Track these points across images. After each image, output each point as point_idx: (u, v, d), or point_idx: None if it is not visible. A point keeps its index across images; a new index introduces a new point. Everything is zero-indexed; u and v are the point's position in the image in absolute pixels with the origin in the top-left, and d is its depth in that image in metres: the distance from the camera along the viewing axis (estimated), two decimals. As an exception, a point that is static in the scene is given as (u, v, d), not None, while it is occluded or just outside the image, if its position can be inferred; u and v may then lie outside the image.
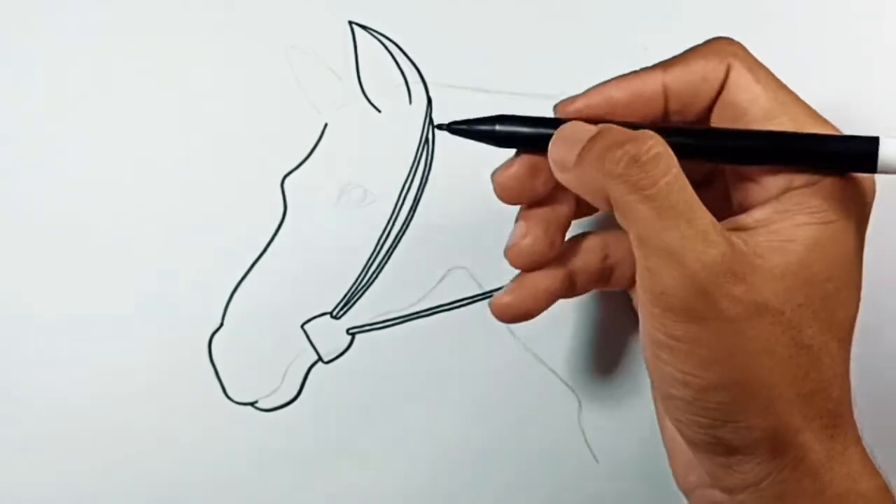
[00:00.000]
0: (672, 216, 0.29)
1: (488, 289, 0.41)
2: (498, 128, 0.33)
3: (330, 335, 0.40)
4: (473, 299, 0.41)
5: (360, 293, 0.41)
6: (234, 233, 0.40)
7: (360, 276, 0.41)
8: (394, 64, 0.41)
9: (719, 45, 0.33)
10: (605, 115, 0.32)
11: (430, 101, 0.41)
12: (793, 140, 0.31)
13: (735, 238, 0.30)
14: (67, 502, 0.39)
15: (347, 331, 0.40)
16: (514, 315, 0.34)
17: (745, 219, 0.32)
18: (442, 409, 0.41)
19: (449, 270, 0.41)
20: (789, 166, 0.32)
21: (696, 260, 0.29)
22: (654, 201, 0.29)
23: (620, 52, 0.42)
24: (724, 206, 0.34)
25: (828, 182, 0.31)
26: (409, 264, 0.41)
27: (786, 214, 0.31)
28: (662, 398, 0.32)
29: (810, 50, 0.42)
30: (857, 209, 0.32)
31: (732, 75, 0.32)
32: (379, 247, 0.41)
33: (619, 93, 0.33)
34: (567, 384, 0.42)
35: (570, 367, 0.41)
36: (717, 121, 0.33)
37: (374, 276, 0.41)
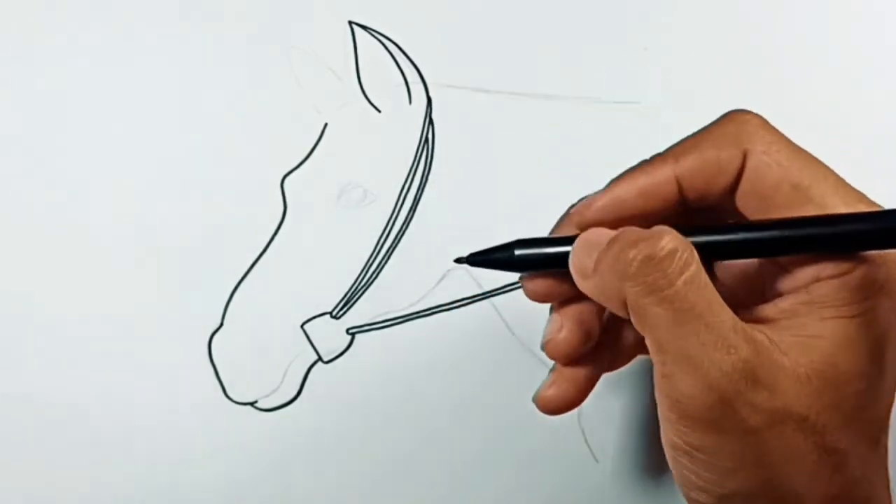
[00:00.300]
0: (690, 319, 0.27)
1: (488, 289, 0.41)
2: (517, 253, 0.32)
3: (330, 335, 0.40)
4: (473, 299, 0.41)
5: (360, 293, 0.40)
6: (234, 233, 0.40)
7: (360, 276, 0.41)
8: (394, 64, 0.41)
9: (733, 127, 0.30)
10: (619, 217, 0.31)
11: (429, 101, 0.41)
12: (819, 226, 0.29)
13: (758, 334, 0.28)
14: (67, 502, 0.39)
15: (347, 331, 0.40)
16: (558, 408, 0.33)
17: (771, 310, 0.30)
18: (442, 408, 0.41)
19: (449, 270, 0.41)
20: (817, 254, 0.29)
21: (716, 368, 0.27)
22: (671, 303, 0.27)
23: (620, 52, 0.42)
24: (751, 286, 0.32)
25: (858, 272, 0.29)
26: (409, 264, 0.41)
27: (813, 307, 0.29)
28: (682, 494, 0.31)
29: (810, 50, 0.42)
30: (890, 292, 0.29)
31: (750, 163, 0.30)
32: (379, 247, 0.41)
33: (628, 193, 0.31)
34: (567, 384, 0.41)
35: (570, 367, 0.41)
36: (740, 205, 0.31)
37: (374, 276, 0.41)
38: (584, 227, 0.31)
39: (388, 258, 0.41)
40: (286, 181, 0.41)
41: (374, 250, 0.41)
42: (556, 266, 0.31)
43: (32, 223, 0.40)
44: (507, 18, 0.42)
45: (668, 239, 0.27)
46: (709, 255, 0.29)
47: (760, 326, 0.29)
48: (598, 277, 0.29)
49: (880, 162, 0.41)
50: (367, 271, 0.41)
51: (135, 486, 0.40)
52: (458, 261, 0.33)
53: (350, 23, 0.41)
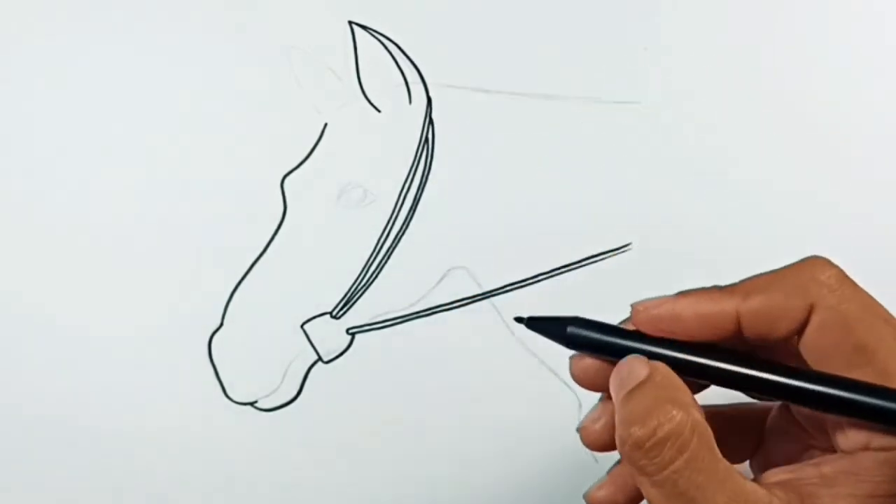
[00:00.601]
0: (682, 503, 0.27)
1: (488, 289, 0.41)
2: (569, 330, 0.31)
3: (330, 335, 0.40)
4: (473, 299, 0.41)
5: (360, 293, 0.40)
6: (234, 233, 0.40)
7: (360, 276, 0.41)
8: (394, 64, 0.41)
9: (807, 275, 0.30)
10: (672, 331, 0.30)
11: (429, 100, 0.41)
12: (873, 394, 0.28)
13: (783, 494, 0.28)
14: (67, 502, 0.39)
15: (347, 331, 0.40)
16: None
17: (812, 472, 0.29)
18: (441, 409, 0.41)
19: (449, 270, 0.41)
20: (867, 423, 0.28)
21: None
22: (660, 488, 0.27)
23: (620, 52, 0.42)
24: (818, 426, 0.31)
25: None
26: (409, 264, 0.41)
27: (856, 479, 0.28)
28: None
29: (810, 50, 0.42)
30: None
31: (815, 317, 0.29)
32: (379, 247, 0.41)
33: (687, 313, 0.30)
34: (567, 384, 0.41)
35: (570, 367, 0.41)
36: (804, 352, 0.30)
37: (374, 276, 0.41)
38: (638, 326, 0.31)
39: (388, 258, 0.41)
40: (286, 181, 0.41)
41: (374, 250, 0.41)
42: (606, 354, 0.31)
43: (32, 223, 0.40)
44: (507, 18, 0.42)
45: (662, 422, 0.27)
46: (746, 390, 0.29)
47: (794, 485, 0.28)
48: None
49: (880, 162, 0.41)
50: (367, 271, 0.41)
51: (135, 486, 0.40)
52: (518, 320, 0.32)
53: (350, 23, 0.41)
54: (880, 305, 0.30)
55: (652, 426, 0.27)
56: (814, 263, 0.30)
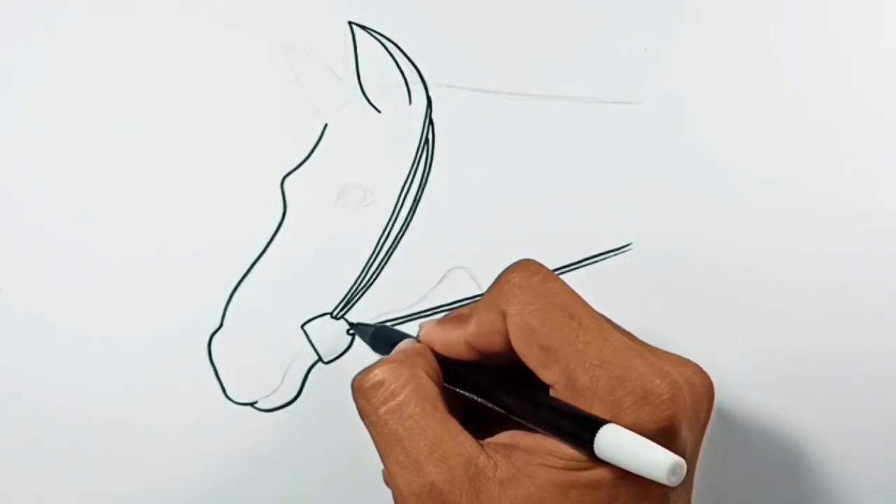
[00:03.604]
0: (391, 443, 0.31)
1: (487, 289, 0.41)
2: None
3: (330, 335, 0.40)
4: (473, 299, 0.41)
5: (360, 293, 0.40)
6: (234, 233, 0.40)
7: (360, 276, 0.41)
8: (394, 64, 0.41)
9: (497, 289, 0.32)
10: (440, 351, 0.34)
11: (429, 101, 0.41)
12: (537, 411, 0.31)
13: (483, 459, 0.30)
14: (67, 502, 0.39)
15: (347, 331, 0.40)
16: None
17: (523, 440, 0.31)
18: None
19: (449, 270, 0.41)
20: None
21: (407, 488, 0.30)
22: (374, 427, 0.32)
23: (620, 52, 0.42)
24: None
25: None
26: (409, 264, 0.41)
27: (548, 454, 0.30)
28: None
29: (810, 50, 0.42)
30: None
31: (508, 326, 0.32)
32: (379, 247, 0.41)
33: (435, 343, 0.34)
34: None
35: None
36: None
37: (374, 276, 0.41)
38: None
39: (388, 258, 0.41)
40: (286, 181, 0.41)
41: (374, 250, 0.41)
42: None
43: (31, 224, 0.40)
44: (507, 18, 0.42)
45: (378, 371, 0.32)
46: (462, 387, 0.33)
47: (498, 447, 0.31)
48: None
49: (880, 162, 0.41)
50: (367, 271, 0.41)
51: (135, 487, 0.40)
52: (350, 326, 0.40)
53: (350, 23, 0.41)
54: (571, 298, 0.32)
55: (371, 375, 0.32)
56: (507, 273, 0.32)
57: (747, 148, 0.41)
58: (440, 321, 0.35)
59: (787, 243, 0.41)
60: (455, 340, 0.34)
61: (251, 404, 0.40)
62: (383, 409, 0.31)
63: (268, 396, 0.40)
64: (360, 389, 0.32)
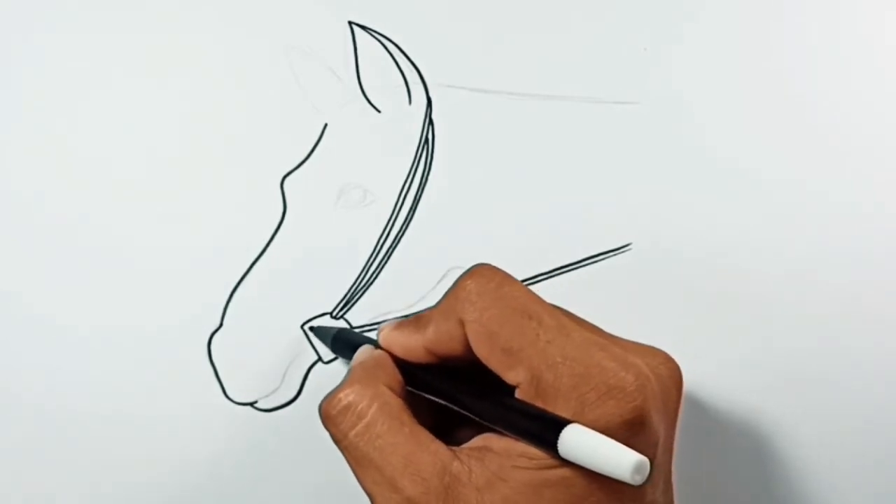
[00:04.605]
0: (364, 465, 0.31)
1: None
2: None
3: (330, 335, 0.40)
4: (473, 299, 0.41)
5: (360, 293, 0.40)
6: (234, 233, 0.40)
7: (360, 276, 0.41)
8: (394, 64, 0.41)
9: (453, 295, 0.32)
10: (399, 355, 0.35)
11: (429, 101, 0.41)
12: (494, 407, 0.31)
13: (458, 467, 0.30)
14: (67, 502, 0.39)
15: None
16: None
17: (496, 443, 0.31)
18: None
19: (449, 270, 0.41)
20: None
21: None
22: (348, 451, 0.32)
23: (620, 52, 0.42)
24: None
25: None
26: (409, 264, 0.41)
27: (520, 456, 0.30)
28: None
29: (810, 50, 0.42)
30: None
31: (467, 332, 0.32)
32: (379, 247, 0.41)
33: (394, 347, 0.35)
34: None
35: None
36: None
37: (374, 276, 0.41)
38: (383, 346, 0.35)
39: (388, 258, 0.41)
40: (286, 181, 0.41)
41: (374, 250, 0.41)
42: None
43: (31, 223, 0.40)
44: (507, 18, 0.42)
45: (342, 395, 0.32)
46: (426, 391, 0.33)
47: (479, 455, 0.31)
48: None
49: (880, 162, 0.41)
50: (367, 271, 0.41)
51: (135, 487, 0.40)
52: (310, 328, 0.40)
53: (350, 23, 0.41)
54: (529, 299, 0.31)
55: (335, 401, 0.32)
56: (463, 280, 0.32)
57: (747, 148, 0.41)
58: (399, 325, 0.35)
59: (787, 243, 0.41)
60: (414, 346, 0.34)
61: (251, 404, 0.40)
62: (352, 433, 0.31)
63: (267, 396, 0.40)
64: (329, 417, 0.32)
